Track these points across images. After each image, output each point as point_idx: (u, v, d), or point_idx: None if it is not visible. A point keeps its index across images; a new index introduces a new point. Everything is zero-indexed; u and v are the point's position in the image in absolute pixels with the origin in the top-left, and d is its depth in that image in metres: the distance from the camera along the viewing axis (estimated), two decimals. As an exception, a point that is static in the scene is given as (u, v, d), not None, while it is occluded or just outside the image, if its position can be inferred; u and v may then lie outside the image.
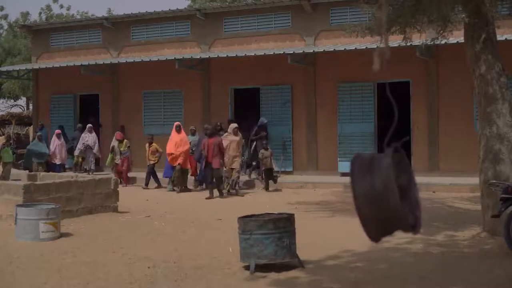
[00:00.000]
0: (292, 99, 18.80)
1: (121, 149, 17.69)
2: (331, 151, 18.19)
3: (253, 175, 17.27)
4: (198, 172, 16.50)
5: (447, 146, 17.07)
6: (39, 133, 20.04)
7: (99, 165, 20.18)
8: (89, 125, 20.03)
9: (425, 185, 14.54)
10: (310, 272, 7.23)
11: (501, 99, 9.42)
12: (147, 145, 17.45)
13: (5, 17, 40.87)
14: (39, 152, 19.23)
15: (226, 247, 8.42)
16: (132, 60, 19.57)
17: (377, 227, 3.43)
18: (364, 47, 15.39)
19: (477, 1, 9.52)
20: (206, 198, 14.61)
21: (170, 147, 16.17)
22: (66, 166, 20.39)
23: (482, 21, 9.52)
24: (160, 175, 17.02)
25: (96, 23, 21.96)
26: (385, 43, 4.01)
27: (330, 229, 10.16)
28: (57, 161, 19.63)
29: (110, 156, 17.99)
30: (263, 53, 17.95)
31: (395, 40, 11.74)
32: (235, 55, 18.17)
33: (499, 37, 11.18)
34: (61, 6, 41.76)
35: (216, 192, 14.79)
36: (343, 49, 16.82)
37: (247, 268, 7.31)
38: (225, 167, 15.33)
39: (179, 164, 15.98)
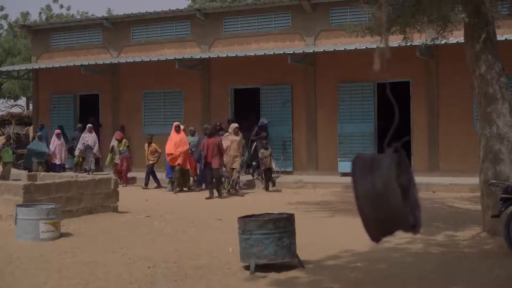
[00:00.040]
0: (292, 99, 18.80)
1: (120, 148, 17.69)
2: (331, 151, 18.19)
3: (255, 175, 17.26)
4: (198, 172, 16.51)
5: (447, 146, 17.07)
6: (39, 133, 20.05)
7: (99, 165, 20.19)
8: (89, 125, 20.03)
9: (425, 185, 14.54)
10: (310, 272, 7.23)
11: (501, 99, 9.42)
12: (146, 145, 17.46)
13: (5, 17, 40.89)
14: (39, 151, 19.23)
15: (226, 247, 8.42)
16: (132, 60, 19.57)
17: (378, 227, 3.44)
18: (364, 47, 15.39)
19: (477, 1, 9.52)
20: (206, 198, 14.61)
21: (169, 148, 16.15)
22: (66, 166, 20.40)
23: (482, 21, 9.52)
24: (161, 175, 17.03)
25: (96, 23, 21.96)
26: (385, 43, 4.02)
27: (330, 229, 10.16)
28: (57, 161, 19.64)
29: (109, 155, 17.99)
30: (263, 53, 17.95)
31: (395, 40, 11.74)
32: (235, 55, 18.17)
33: (499, 37, 11.18)
34: (61, 6, 41.81)
35: (215, 192, 14.78)
36: (343, 49, 16.82)
37: (247, 268, 7.31)
38: (225, 168, 15.33)
39: (178, 164, 15.97)
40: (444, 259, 7.87)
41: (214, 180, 14.92)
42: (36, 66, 21.61)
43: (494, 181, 8.90)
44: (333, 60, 18.03)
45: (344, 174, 16.91)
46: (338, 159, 17.97)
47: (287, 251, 7.23)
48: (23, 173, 16.96)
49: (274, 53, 17.90)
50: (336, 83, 18.21)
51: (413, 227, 3.43)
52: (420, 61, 17.04)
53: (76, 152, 19.80)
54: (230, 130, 15.87)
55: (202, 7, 21.70)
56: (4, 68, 25.23)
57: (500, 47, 9.95)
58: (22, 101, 40.97)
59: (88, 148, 19.66)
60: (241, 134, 15.94)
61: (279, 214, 7.82)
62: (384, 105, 16.81)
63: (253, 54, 17.98)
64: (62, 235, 9.64)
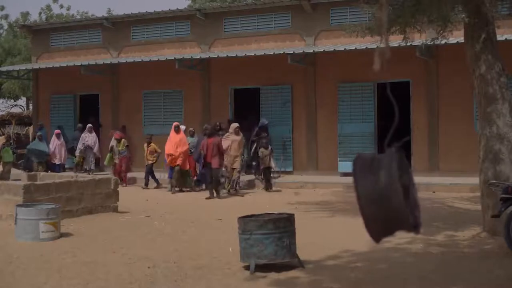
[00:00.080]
0: (292, 99, 18.80)
1: (119, 148, 17.68)
2: (331, 151, 18.19)
3: (256, 175, 17.25)
4: (197, 172, 16.49)
5: (447, 146, 17.07)
6: (39, 133, 20.05)
7: (99, 165, 20.19)
8: (89, 125, 20.03)
9: (425, 185, 14.54)
10: (310, 272, 7.23)
11: (501, 99, 9.43)
12: (145, 145, 17.46)
13: (5, 17, 40.88)
14: (40, 151, 19.23)
15: (226, 247, 8.42)
16: (132, 60, 19.57)
17: (380, 227, 3.44)
18: (364, 47, 15.39)
19: (477, 1, 9.52)
20: (206, 198, 14.61)
21: (169, 148, 16.12)
22: (66, 166, 20.39)
23: (482, 21, 9.52)
24: (162, 175, 17.03)
25: (96, 23, 21.96)
26: (385, 43, 4.02)
27: (330, 229, 10.16)
28: (57, 161, 19.63)
29: (108, 155, 17.98)
30: (263, 53, 17.95)
31: (395, 40, 11.74)
32: (235, 55, 18.17)
33: (499, 37, 11.18)
34: (61, 6, 41.77)
35: (215, 192, 14.77)
36: (343, 49, 16.82)
37: (247, 268, 7.31)
38: (225, 168, 15.32)
39: (178, 165, 15.96)
40: (444, 259, 7.87)
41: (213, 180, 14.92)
42: (36, 66, 21.61)
43: (494, 181, 8.90)
44: (333, 60, 18.03)
45: (344, 174, 16.91)
46: (338, 159, 17.97)
47: (287, 251, 7.23)
48: (23, 173, 16.97)
49: (274, 53, 17.90)
50: (336, 83, 18.21)
51: (415, 227, 3.44)
52: (420, 61, 17.04)
53: (77, 152, 19.81)
54: (230, 130, 15.86)
55: (202, 7, 21.69)
56: (4, 68, 25.23)
57: (500, 47, 9.95)
58: (22, 101, 41.00)
59: (88, 148, 19.66)
60: (241, 134, 15.94)
61: (279, 214, 7.82)
62: (384, 105, 16.81)
63: (253, 54, 17.98)
64: (62, 235, 9.64)
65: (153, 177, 17.12)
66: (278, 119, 18.74)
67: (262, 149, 16.21)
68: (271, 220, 7.32)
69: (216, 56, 18.68)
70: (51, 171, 18.00)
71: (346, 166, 17.00)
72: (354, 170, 3.43)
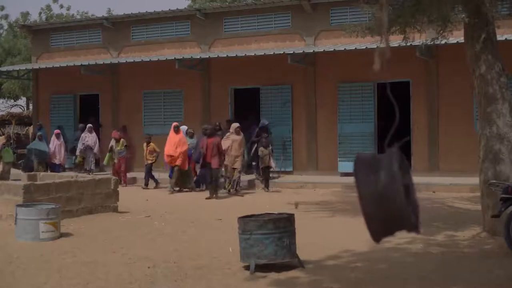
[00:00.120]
0: (292, 99, 18.80)
1: (118, 148, 17.68)
2: (331, 151, 18.19)
3: (256, 175, 17.25)
4: (197, 172, 16.48)
5: (447, 146, 17.07)
6: (39, 133, 20.05)
7: (99, 165, 20.18)
8: (89, 125, 20.02)
9: (425, 185, 14.54)
10: (310, 272, 7.24)
11: (501, 99, 9.43)
12: (144, 144, 17.45)
13: (5, 17, 40.88)
14: (40, 150, 19.24)
15: (226, 247, 8.42)
16: (132, 60, 19.56)
17: (381, 227, 3.44)
18: (364, 47, 15.39)
19: (477, 1, 9.52)
20: (206, 198, 14.61)
21: (168, 148, 16.10)
22: (66, 166, 20.39)
23: (482, 21, 9.52)
24: (162, 175, 17.02)
25: (96, 23, 21.95)
26: (386, 43, 4.02)
27: (330, 229, 10.16)
28: (57, 161, 19.63)
29: (108, 155, 17.95)
30: (263, 53, 17.95)
31: (395, 40, 11.74)
32: (235, 55, 18.17)
33: (499, 37, 11.18)
34: (61, 6, 41.75)
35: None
36: (343, 49, 16.81)
37: (247, 268, 7.31)
38: (227, 168, 15.32)
39: (177, 165, 15.94)
40: (444, 259, 7.87)
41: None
42: (36, 66, 21.61)
43: (494, 181, 8.90)
44: (333, 60, 18.03)
45: (344, 174, 16.90)
46: (338, 159, 17.97)
47: (287, 251, 7.23)
48: (23, 173, 16.97)
49: (274, 53, 17.90)
50: (336, 83, 18.21)
51: (416, 227, 3.44)
52: (420, 61, 17.04)
53: (77, 152, 19.80)
54: (231, 129, 15.85)
55: (202, 7, 21.69)
56: (4, 68, 25.22)
57: (500, 47, 9.95)
58: (22, 101, 40.99)
59: (88, 148, 19.66)
60: (242, 134, 15.93)
61: (279, 214, 7.82)
62: (384, 105, 16.80)
63: (253, 54, 17.98)
64: (62, 235, 9.64)
65: (152, 177, 17.10)
66: (278, 119, 18.74)
67: (261, 148, 16.21)
68: (271, 220, 7.32)
69: (216, 56, 18.68)
70: (51, 171, 18.01)
71: (346, 166, 17.00)
72: (355, 170, 3.43)
